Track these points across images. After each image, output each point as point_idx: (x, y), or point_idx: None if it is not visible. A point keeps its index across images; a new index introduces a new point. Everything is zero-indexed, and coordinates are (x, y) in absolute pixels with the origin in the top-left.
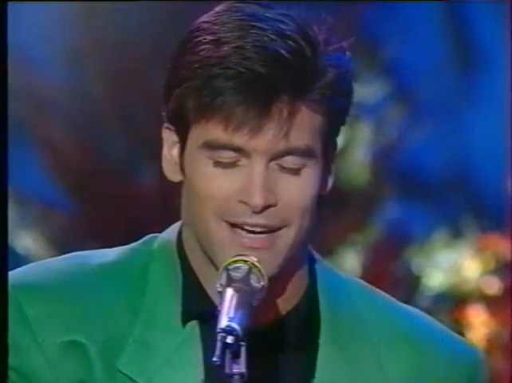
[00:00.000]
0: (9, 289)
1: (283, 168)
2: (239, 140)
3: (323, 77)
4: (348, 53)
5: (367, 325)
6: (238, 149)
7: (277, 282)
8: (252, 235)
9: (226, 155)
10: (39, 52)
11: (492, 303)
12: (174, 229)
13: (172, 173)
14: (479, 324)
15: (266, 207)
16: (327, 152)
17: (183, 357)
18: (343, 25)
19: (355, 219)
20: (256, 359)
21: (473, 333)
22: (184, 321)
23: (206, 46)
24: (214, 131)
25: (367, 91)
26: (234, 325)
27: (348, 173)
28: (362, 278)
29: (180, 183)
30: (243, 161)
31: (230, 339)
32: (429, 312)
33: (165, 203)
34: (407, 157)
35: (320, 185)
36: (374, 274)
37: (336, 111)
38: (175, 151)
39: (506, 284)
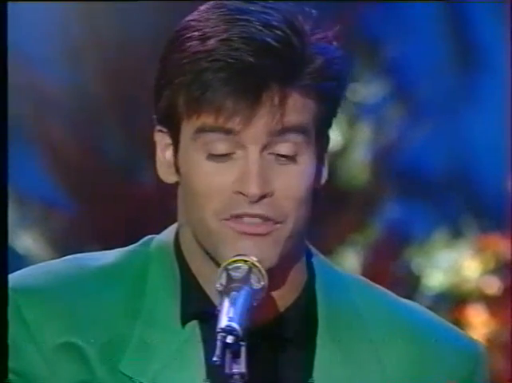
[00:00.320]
0: (9, 292)
1: (278, 157)
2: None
3: (311, 64)
4: (334, 42)
5: (366, 321)
6: (229, 131)
7: (276, 278)
8: (253, 223)
9: (220, 147)
10: (39, 52)
11: (492, 303)
12: (171, 230)
13: (167, 175)
14: (479, 324)
15: (263, 196)
16: (321, 140)
17: (185, 358)
18: (343, 25)
19: (355, 219)
20: (256, 357)
21: (473, 333)
22: (184, 322)
23: (193, 42)
24: (206, 121)
25: (367, 91)
26: (234, 325)
27: (348, 173)
28: None
29: (176, 185)
30: (238, 153)
31: (230, 339)
32: None
33: (165, 203)
34: (407, 157)
35: (315, 175)
36: (374, 273)
37: (327, 97)
38: (169, 153)
39: (506, 284)
